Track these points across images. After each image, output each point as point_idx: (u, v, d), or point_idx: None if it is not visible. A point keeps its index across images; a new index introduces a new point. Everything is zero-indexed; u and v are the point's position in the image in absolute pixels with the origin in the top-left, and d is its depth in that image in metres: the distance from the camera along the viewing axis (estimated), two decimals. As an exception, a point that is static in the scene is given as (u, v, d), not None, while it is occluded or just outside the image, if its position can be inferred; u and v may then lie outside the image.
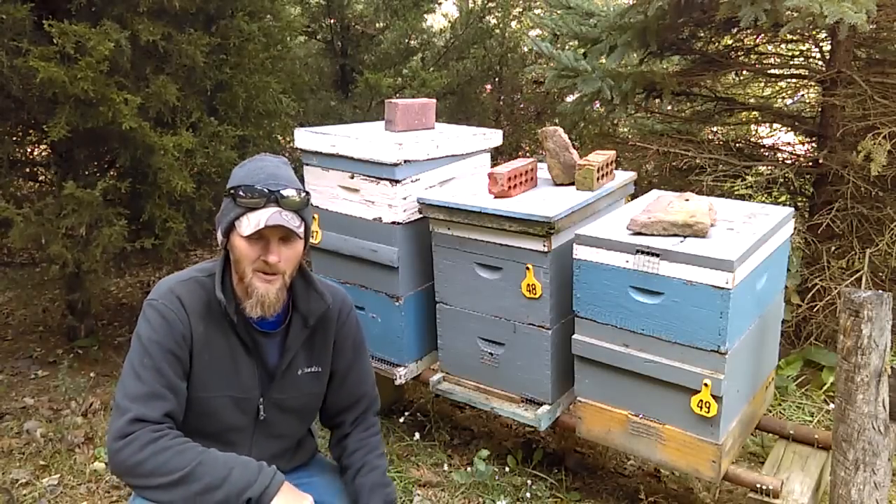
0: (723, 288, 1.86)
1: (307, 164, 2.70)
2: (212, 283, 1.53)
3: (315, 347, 1.66)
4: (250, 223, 1.45)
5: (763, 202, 3.32)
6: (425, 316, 2.63)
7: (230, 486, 1.37)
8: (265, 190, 1.46)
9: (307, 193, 1.52)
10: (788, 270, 2.81)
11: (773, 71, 3.87)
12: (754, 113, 4.05)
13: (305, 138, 2.65)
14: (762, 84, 4.41)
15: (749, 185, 3.42)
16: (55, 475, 2.50)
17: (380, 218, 2.51)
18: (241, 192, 1.47)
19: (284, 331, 1.60)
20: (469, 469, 2.48)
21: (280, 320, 1.60)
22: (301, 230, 1.50)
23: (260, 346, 1.58)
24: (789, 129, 3.99)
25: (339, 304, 1.70)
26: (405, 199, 2.48)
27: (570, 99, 3.98)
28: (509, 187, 2.34)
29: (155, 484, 1.37)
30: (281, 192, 1.47)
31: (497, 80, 5.57)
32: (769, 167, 3.52)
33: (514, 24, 5.47)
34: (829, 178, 3.27)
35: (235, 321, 1.52)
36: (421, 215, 2.46)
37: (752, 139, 4.34)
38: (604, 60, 3.35)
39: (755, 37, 3.75)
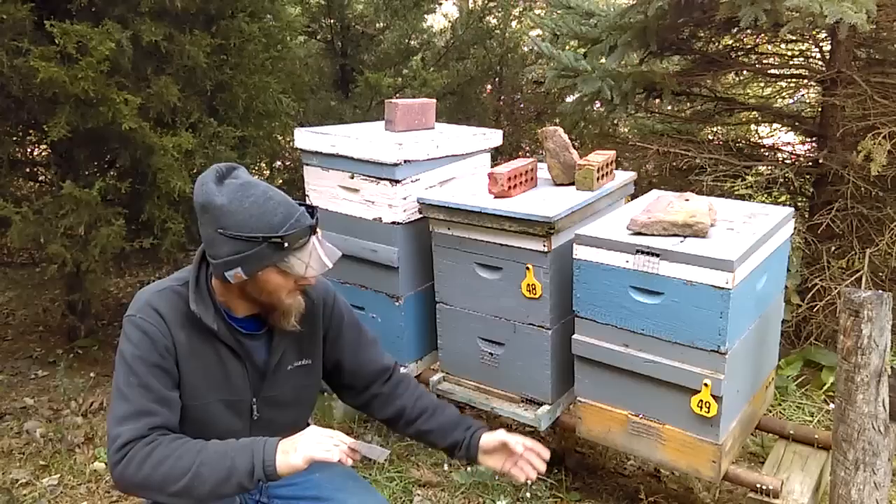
0: (723, 288, 1.86)
1: (307, 164, 2.70)
2: (188, 293, 1.52)
3: (303, 341, 1.66)
4: (307, 261, 1.45)
5: (763, 202, 3.32)
6: (425, 316, 2.63)
7: (238, 476, 1.38)
8: (306, 227, 1.45)
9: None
10: (788, 270, 2.81)
11: (773, 71, 3.87)
12: (754, 113, 4.05)
13: (305, 138, 2.65)
14: (762, 84, 4.41)
15: (749, 185, 3.42)
16: (55, 475, 2.50)
17: (380, 218, 2.51)
18: (286, 241, 1.42)
19: (269, 330, 1.60)
20: (469, 469, 2.48)
21: (264, 321, 1.60)
22: None
23: (246, 347, 1.58)
24: (789, 129, 3.99)
25: (323, 294, 1.71)
26: (405, 199, 2.48)
27: (570, 99, 3.97)
28: (509, 187, 2.34)
29: (170, 492, 1.38)
30: (311, 222, 1.46)
31: (497, 80, 5.57)
32: (769, 167, 3.51)
33: (514, 24, 5.46)
34: (829, 178, 3.27)
35: (217, 328, 1.51)
36: (421, 215, 2.46)
37: (752, 139, 4.34)
38: (604, 60, 3.35)
39: (755, 37, 3.75)
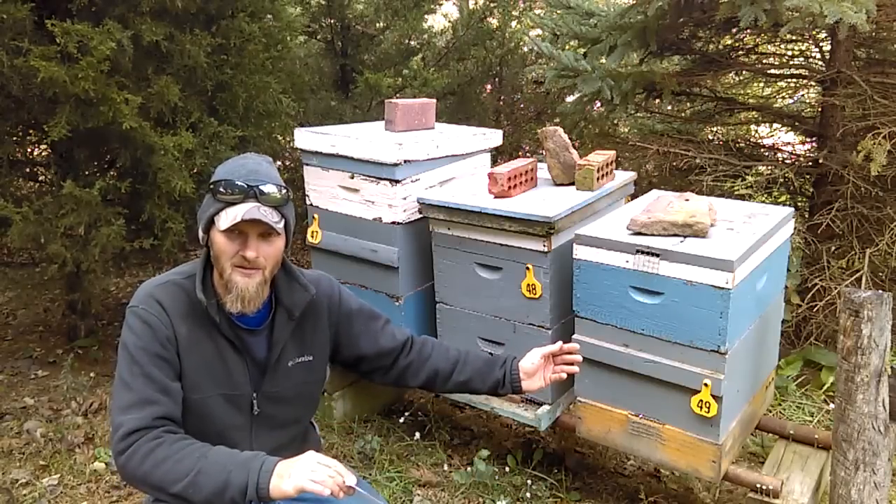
0: (723, 288, 1.86)
1: (307, 164, 2.70)
2: (191, 285, 1.52)
3: (305, 337, 1.66)
4: (228, 217, 1.45)
5: (763, 202, 3.32)
6: (425, 316, 2.63)
7: (232, 490, 1.37)
8: (244, 185, 1.46)
9: (288, 190, 1.52)
10: (788, 270, 2.81)
11: (773, 71, 3.87)
12: (754, 113, 4.05)
13: (305, 138, 2.65)
14: (762, 84, 4.41)
15: (749, 185, 3.42)
16: (55, 475, 2.50)
17: (380, 218, 2.51)
18: (220, 188, 1.47)
19: (270, 325, 1.60)
20: (469, 469, 2.48)
21: (264, 316, 1.60)
22: (281, 226, 1.49)
23: (247, 343, 1.58)
24: (789, 129, 3.99)
25: (328, 291, 1.71)
26: (405, 199, 2.48)
27: (570, 99, 3.98)
28: (509, 187, 2.34)
29: (168, 492, 1.38)
30: (260, 187, 1.47)
31: (497, 80, 5.57)
32: (769, 167, 3.51)
33: (514, 24, 5.46)
34: (829, 178, 3.27)
35: (219, 321, 1.52)
36: (421, 215, 2.47)
37: (752, 139, 4.34)
38: (604, 60, 3.35)
39: (755, 37, 3.75)
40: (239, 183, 1.46)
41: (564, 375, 1.75)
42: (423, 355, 1.79)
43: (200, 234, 1.54)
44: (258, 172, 1.50)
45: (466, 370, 1.77)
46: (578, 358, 1.74)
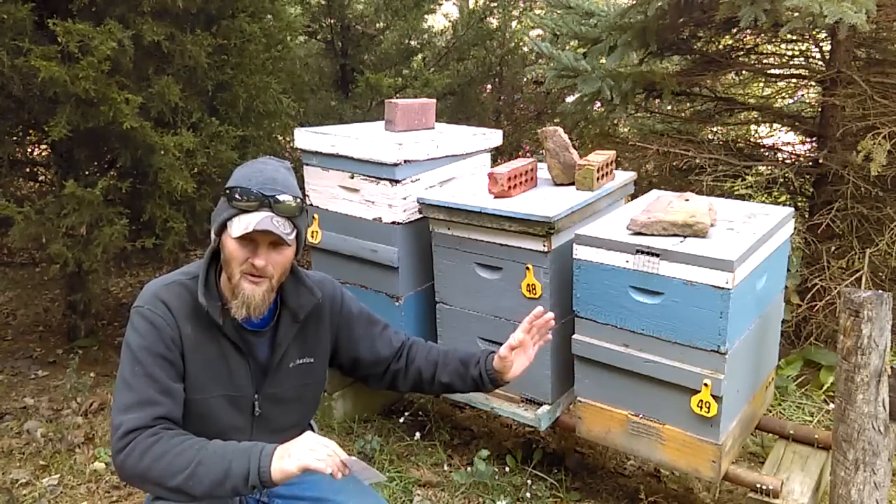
0: (723, 288, 1.86)
1: (307, 164, 2.70)
2: (196, 286, 1.52)
3: (307, 340, 1.66)
4: (241, 225, 1.45)
5: (763, 202, 3.32)
6: (425, 316, 2.63)
7: (234, 479, 1.38)
8: (260, 193, 1.46)
9: (303, 200, 1.52)
10: (788, 270, 2.81)
11: (773, 71, 3.87)
12: (754, 113, 4.05)
13: (305, 138, 2.65)
14: (762, 84, 4.41)
15: (749, 185, 3.42)
16: (55, 475, 2.50)
17: (380, 218, 2.52)
18: (236, 194, 1.47)
19: (274, 327, 1.61)
20: (469, 469, 2.48)
21: (268, 318, 1.60)
22: (292, 237, 1.49)
23: (250, 344, 1.58)
24: (789, 129, 3.99)
25: (331, 294, 1.72)
26: (405, 199, 2.48)
27: (570, 99, 3.98)
28: (509, 187, 2.34)
29: (167, 486, 1.39)
30: (276, 196, 1.47)
31: (497, 80, 5.57)
32: (769, 167, 3.52)
33: (514, 24, 5.47)
34: (829, 178, 3.27)
35: (222, 323, 1.52)
36: (421, 215, 2.47)
37: (752, 139, 4.34)
38: (604, 60, 3.35)
39: (755, 37, 3.75)
40: (254, 191, 1.46)
41: (549, 337, 1.73)
42: (408, 360, 1.79)
43: (212, 235, 1.54)
44: (275, 181, 1.50)
45: (446, 372, 1.76)
46: (549, 315, 1.68)
